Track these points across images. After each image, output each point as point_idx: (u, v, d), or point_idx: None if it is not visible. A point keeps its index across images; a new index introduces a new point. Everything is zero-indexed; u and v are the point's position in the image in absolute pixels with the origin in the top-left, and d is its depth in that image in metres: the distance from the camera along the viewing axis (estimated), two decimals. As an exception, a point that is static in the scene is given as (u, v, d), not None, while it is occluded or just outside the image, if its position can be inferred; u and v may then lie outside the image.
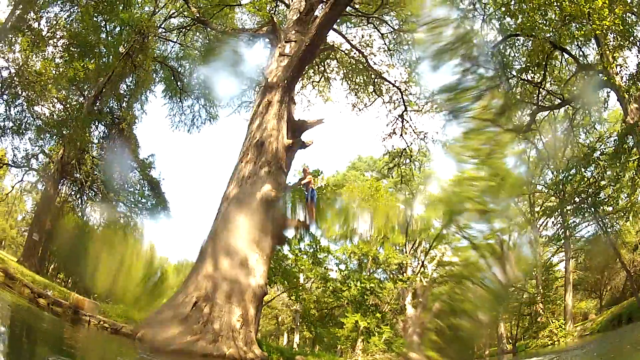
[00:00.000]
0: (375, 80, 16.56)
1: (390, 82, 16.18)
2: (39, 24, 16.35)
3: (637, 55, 14.53)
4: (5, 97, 17.80)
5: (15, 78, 17.19)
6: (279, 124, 10.97)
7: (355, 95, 17.47)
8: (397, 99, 16.23)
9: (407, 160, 16.71)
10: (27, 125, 18.83)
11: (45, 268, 21.76)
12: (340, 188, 20.68)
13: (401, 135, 16.27)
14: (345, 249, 26.08)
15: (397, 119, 16.25)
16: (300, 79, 15.93)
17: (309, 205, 11.22)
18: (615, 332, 16.19)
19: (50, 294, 10.34)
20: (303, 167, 11.87)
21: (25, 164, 20.78)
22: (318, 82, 18.12)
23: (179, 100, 21.67)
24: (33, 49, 16.45)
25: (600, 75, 14.89)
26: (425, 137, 16.21)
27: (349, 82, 17.34)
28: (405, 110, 16.17)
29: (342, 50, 16.78)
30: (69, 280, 23.77)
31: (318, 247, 20.19)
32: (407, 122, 16.14)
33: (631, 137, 14.31)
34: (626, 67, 14.53)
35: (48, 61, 17.36)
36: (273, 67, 12.13)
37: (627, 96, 14.02)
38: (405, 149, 16.59)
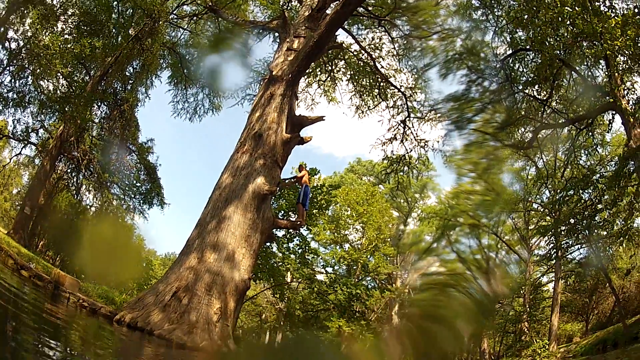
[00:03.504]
0: (381, 83, 16.43)
1: (395, 87, 16.07)
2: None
3: (646, 80, 14.43)
4: (11, 68, 17.72)
5: (23, 50, 17.09)
6: (280, 118, 10.88)
7: (360, 97, 17.36)
8: (401, 104, 16.13)
9: (406, 168, 16.53)
10: (31, 99, 18.75)
11: (34, 243, 21.65)
12: (336, 189, 20.52)
13: (402, 141, 16.14)
14: (335, 253, 26.01)
15: (399, 124, 16.14)
16: (306, 76, 15.82)
17: (301, 204, 11.10)
18: (599, 356, 16.11)
19: (33, 266, 10.21)
20: (300, 163, 11.74)
21: (25, 138, 20.68)
22: (324, 81, 18.02)
23: (183, 87, 21.58)
24: (43, 23, 16.34)
25: (607, 97, 14.81)
26: (425, 145, 16.09)
27: (355, 83, 17.22)
28: (409, 116, 16.04)
29: (350, 51, 16.67)
30: (57, 258, 23.67)
31: (307, 248, 20.09)
32: (409, 128, 16.03)
33: (632, 161, 14.22)
34: (633, 91, 14.47)
35: (56, 35, 17.26)
36: (279, 60, 12.04)
37: (632, 120, 13.93)
38: (404, 155, 16.43)
